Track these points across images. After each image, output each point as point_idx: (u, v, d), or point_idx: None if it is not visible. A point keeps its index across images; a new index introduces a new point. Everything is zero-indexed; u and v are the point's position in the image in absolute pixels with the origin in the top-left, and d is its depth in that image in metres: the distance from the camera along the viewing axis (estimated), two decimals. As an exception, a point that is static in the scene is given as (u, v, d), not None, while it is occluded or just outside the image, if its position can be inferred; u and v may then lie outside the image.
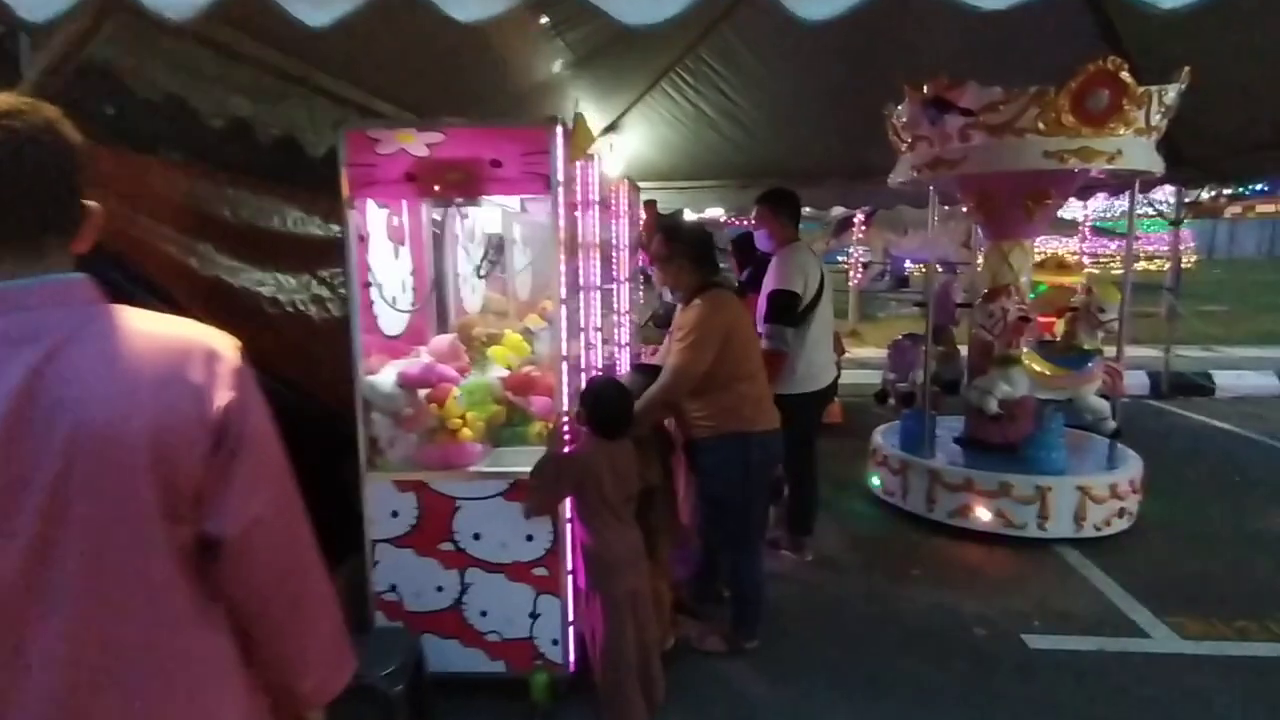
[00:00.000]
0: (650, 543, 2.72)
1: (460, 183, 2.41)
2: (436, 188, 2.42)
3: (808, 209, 10.75)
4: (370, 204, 2.66)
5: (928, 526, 4.22)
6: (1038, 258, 7.47)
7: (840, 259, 14.50)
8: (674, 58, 6.42)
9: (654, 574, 2.74)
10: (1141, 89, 3.66)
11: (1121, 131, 3.72)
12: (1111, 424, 4.14)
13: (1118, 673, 2.89)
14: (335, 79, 3.37)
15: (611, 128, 7.26)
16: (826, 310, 3.73)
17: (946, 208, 6.75)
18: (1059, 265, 7.23)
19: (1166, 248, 12.76)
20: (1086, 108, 3.66)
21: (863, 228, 11.72)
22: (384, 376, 2.56)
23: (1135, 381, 7.48)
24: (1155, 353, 8.11)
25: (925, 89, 4.02)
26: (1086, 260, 12.86)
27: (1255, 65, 4.92)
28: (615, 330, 4.12)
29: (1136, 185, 4.27)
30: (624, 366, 3.95)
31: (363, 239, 2.55)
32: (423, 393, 2.64)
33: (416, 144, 2.42)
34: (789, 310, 3.54)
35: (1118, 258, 12.94)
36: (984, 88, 3.82)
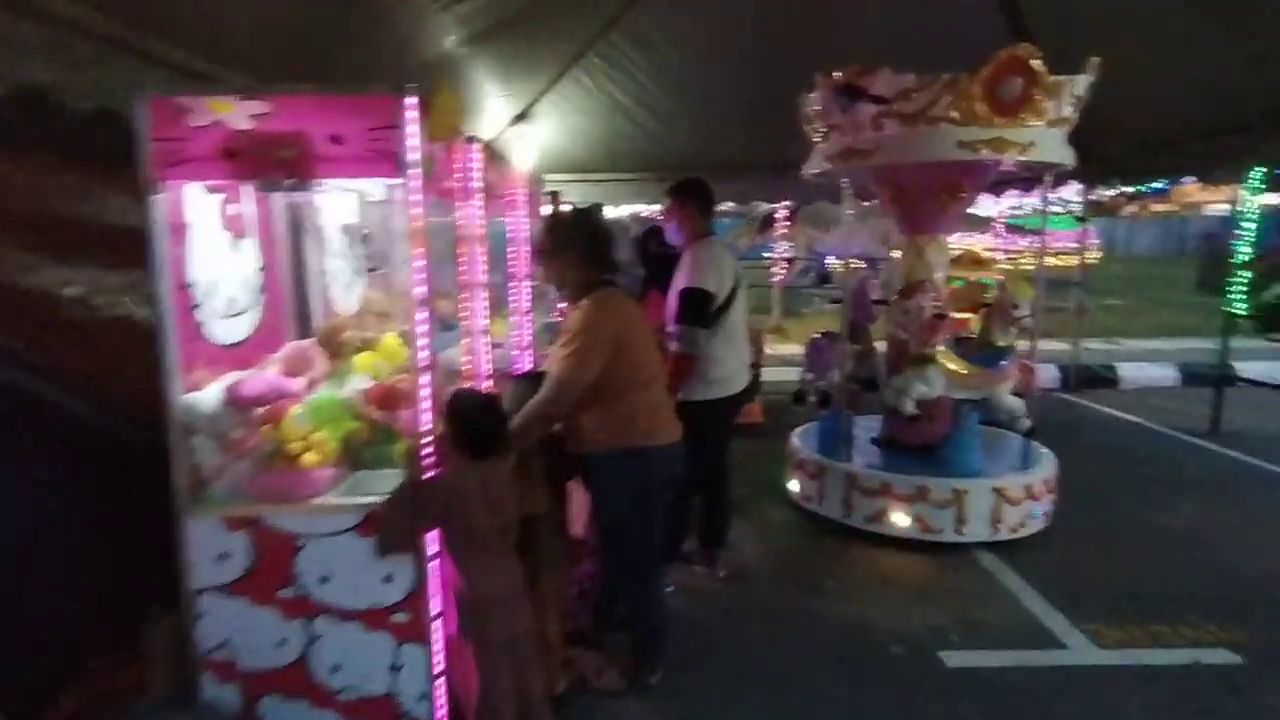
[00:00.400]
0: (535, 576, 2.41)
1: (291, 161, 2.02)
2: (260, 166, 2.03)
3: (730, 204, 10.63)
4: (198, 188, 2.25)
5: (846, 533, 4.04)
6: (953, 254, 7.48)
7: (765, 255, 14.49)
8: (585, 43, 6.11)
9: (540, 611, 2.43)
10: (1053, 79, 3.55)
11: (1034, 122, 3.60)
12: (1026, 422, 4.06)
13: (1036, 689, 2.74)
14: (173, 45, 2.91)
15: (522, 117, 6.90)
16: (740, 311, 3.49)
17: (865, 203, 6.68)
18: (974, 261, 7.29)
19: (1074, 244, 13.19)
20: (999, 96, 3.53)
21: (786, 223, 11.66)
22: (207, 393, 2.15)
23: (1046, 375, 7.60)
24: (1065, 346, 8.29)
25: (837, 76, 3.82)
26: (1001, 256, 13.17)
27: (1164, 63, 4.97)
28: (513, 333, 3.78)
29: (1049, 180, 4.19)
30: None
31: (177, 229, 2.14)
32: (259, 411, 2.25)
33: (237, 115, 2.02)
34: (701, 310, 3.29)
35: (1029, 254, 13.31)
36: (897, 74, 3.64)
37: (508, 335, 3.72)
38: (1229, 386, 6.45)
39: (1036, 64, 3.48)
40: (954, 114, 3.59)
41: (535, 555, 2.45)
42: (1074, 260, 9.86)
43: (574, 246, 2.49)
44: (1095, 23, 5.04)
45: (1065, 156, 3.80)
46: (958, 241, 8.90)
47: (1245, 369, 7.49)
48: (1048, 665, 2.89)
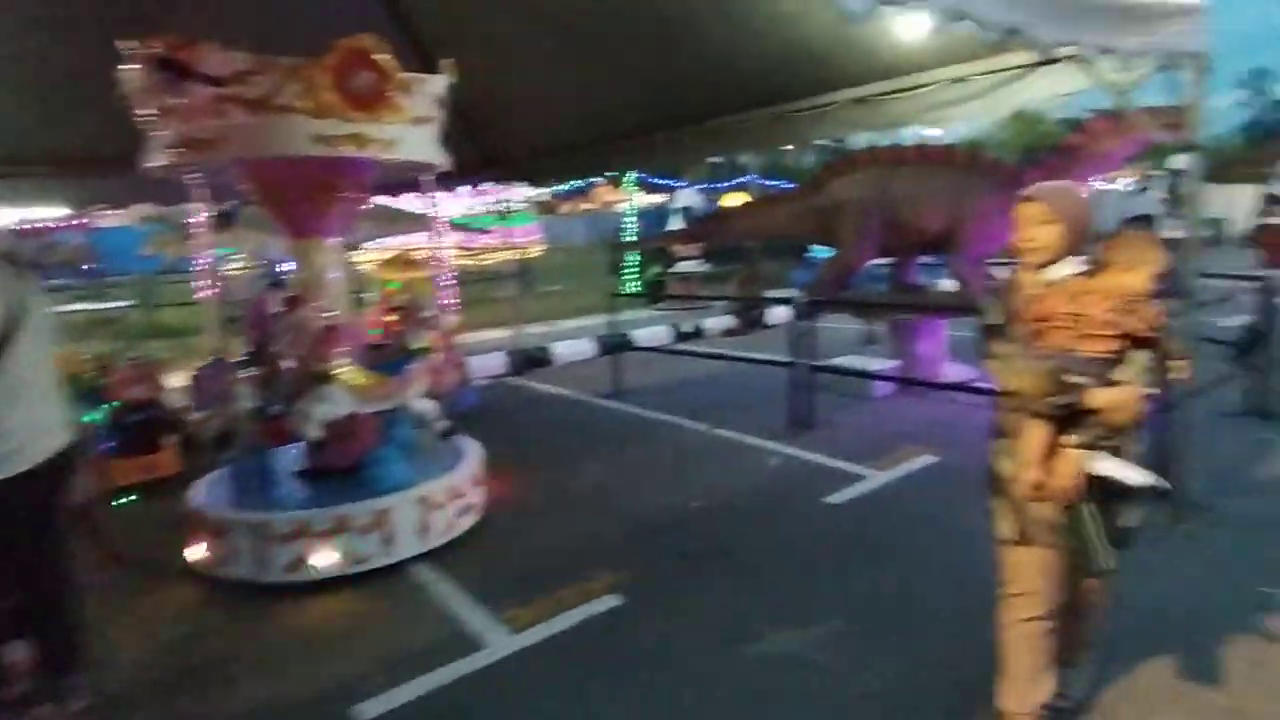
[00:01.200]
0: None
1: None
2: None
3: (122, 210, 8.53)
4: None
5: (264, 594, 3.43)
6: (391, 255, 7.30)
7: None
8: None
9: None
10: (403, 75, 3.47)
11: (394, 119, 3.48)
12: (443, 423, 4.05)
13: (455, 707, 2.64)
14: None
15: None
16: (31, 352, 2.53)
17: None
18: (406, 263, 7.27)
19: (515, 240, 14.56)
20: (351, 89, 3.30)
21: (204, 229, 10.05)
22: None
23: (494, 362, 8.13)
24: (509, 333, 9.04)
25: (152, 48, 3.09)
26: (453, 255, 13.67)
27: (543, 81, 5.46)
28: None
29: (429, 180, 4.20)
30: None
31: None
32: None
33: None
34: None
35: (486, 251, 14.13)
36: (226, 52, 3.10)
37: None
38: (626, 352, 7.79)
39: (382, 58, 3.35)
40: (306, 104, 3.23)
41: None
42: (510, 254, 10.84)
43: None
44: (476, 31, 5.24)
45: (435, 156, 3.81)
46: (401, 244, 8.83)
47: (640, 336, 9.27)
48: (468, 673, 2.82)
